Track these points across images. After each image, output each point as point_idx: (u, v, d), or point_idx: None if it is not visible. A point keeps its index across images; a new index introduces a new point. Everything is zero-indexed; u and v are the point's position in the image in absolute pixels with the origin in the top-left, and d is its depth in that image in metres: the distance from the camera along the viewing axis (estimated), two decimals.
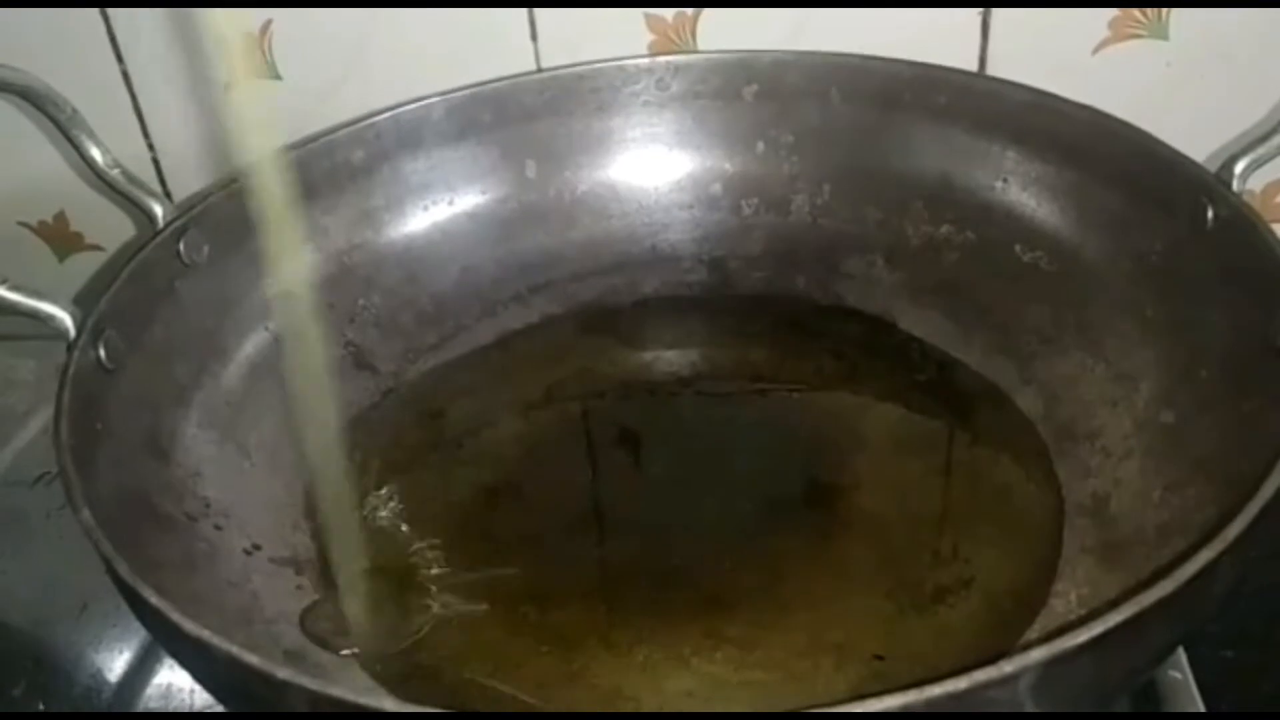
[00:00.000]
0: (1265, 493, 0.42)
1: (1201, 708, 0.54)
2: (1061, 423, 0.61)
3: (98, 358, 0.54)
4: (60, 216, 0.84)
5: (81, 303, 0.56)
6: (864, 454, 0.63)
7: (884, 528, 0.59)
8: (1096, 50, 0.71)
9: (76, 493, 0.46)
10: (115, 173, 0.61)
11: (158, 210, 0.62)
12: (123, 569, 0.43)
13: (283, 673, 0.39)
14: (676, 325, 0.73)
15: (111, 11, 0.74)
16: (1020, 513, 0.58)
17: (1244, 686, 0.56)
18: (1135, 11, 0.69)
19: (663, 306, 0.73)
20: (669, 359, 0.72)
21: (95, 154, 0.60)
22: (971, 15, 0.71)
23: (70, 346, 0.54)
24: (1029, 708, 0.38)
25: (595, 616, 0.56)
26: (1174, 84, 0.71)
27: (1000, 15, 0.70)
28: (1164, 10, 0.69)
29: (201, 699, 0.59)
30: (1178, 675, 0.55)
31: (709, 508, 0.60)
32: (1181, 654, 0.56)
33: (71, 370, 0.52)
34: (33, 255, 0.86)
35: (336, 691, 0.38)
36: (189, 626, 0.41)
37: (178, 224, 0.61)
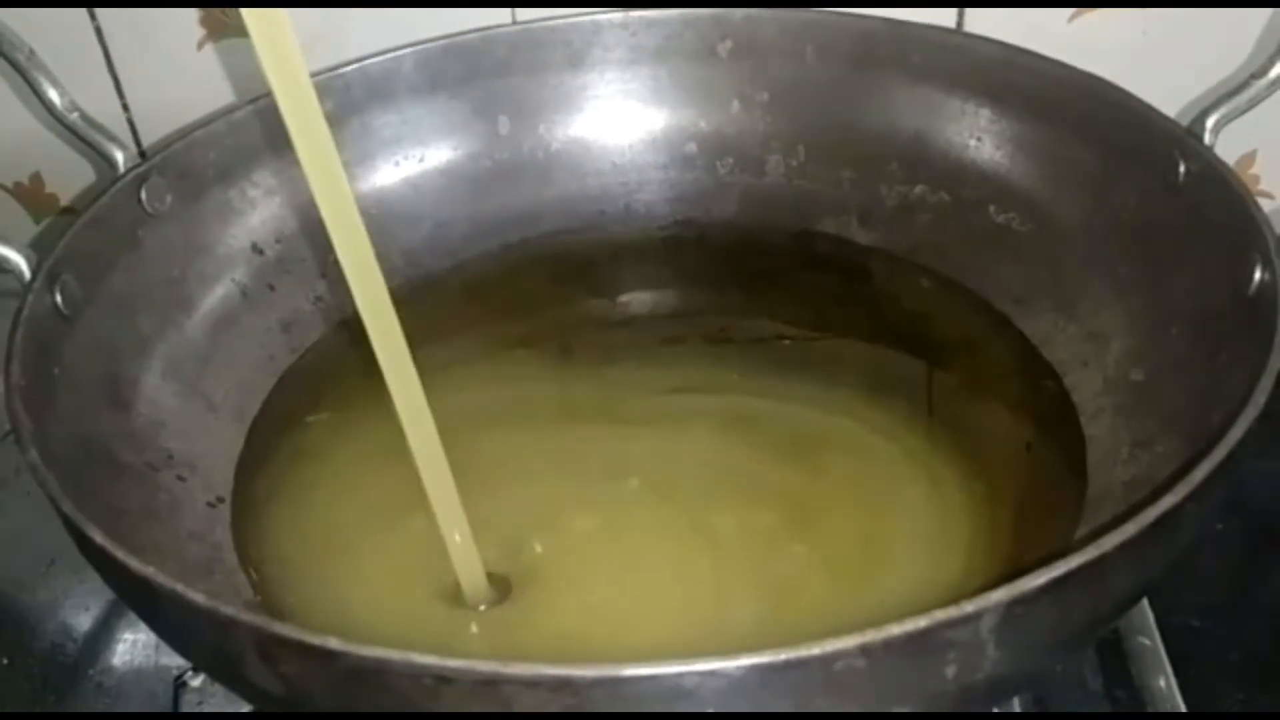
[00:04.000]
0: (1231, 438, 0.41)
1: (1170, 672, 0.54)
2: (1032, 381, 0.61)
3: (54, 303, 0.54)
4: (35, 178, 0.83)
5: (40, 249, 0.55)
6: (837, 400, 0.62)
7: (857, 473, 0.58)
8: (1073, 18, 0.70)
9: (25, 433, 0.46)
10: (74, 117, 0.60)
11: (119, 156, 0.61)
12: (68, 507, 0.42)
13: (228, 609, 0.38)
14: (650, 278, 0.73)
15: None
16: (990, 466, 0.58)
17: (1212, 655, 0.56)
18: None
19: (636, 261, 0.73)
20: (642, 309, 0.72)
21: (54, 96, 0.60)
22: None
23: (25, 289, 0.53)
24: (991, 651, 0.38)
25: (557, 556, 0.55)
26: (1150, 51, 0.71)
27: None
28: None
29: (167, 658, 0.59)
30: (1147, 642, 0.55)
31: (680, 452, 0.60)
32: (1151, 620, 0.56)
33: (25, 313, 0.51)
34: (7, 217, 0.85)
35: (283, 629, 0.37)
36: (135, 565, 0.40)
37: (139, 170, 0.60)
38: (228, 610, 0.38)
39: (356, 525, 0.58)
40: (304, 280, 0.67)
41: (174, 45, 0.76)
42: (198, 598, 0.38)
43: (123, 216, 0.60)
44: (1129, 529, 0.38)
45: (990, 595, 0.37)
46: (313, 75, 0.65)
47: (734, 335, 0.68)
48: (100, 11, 0.75)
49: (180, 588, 0.39)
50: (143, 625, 0.58)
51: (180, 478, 0.57)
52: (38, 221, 0.86)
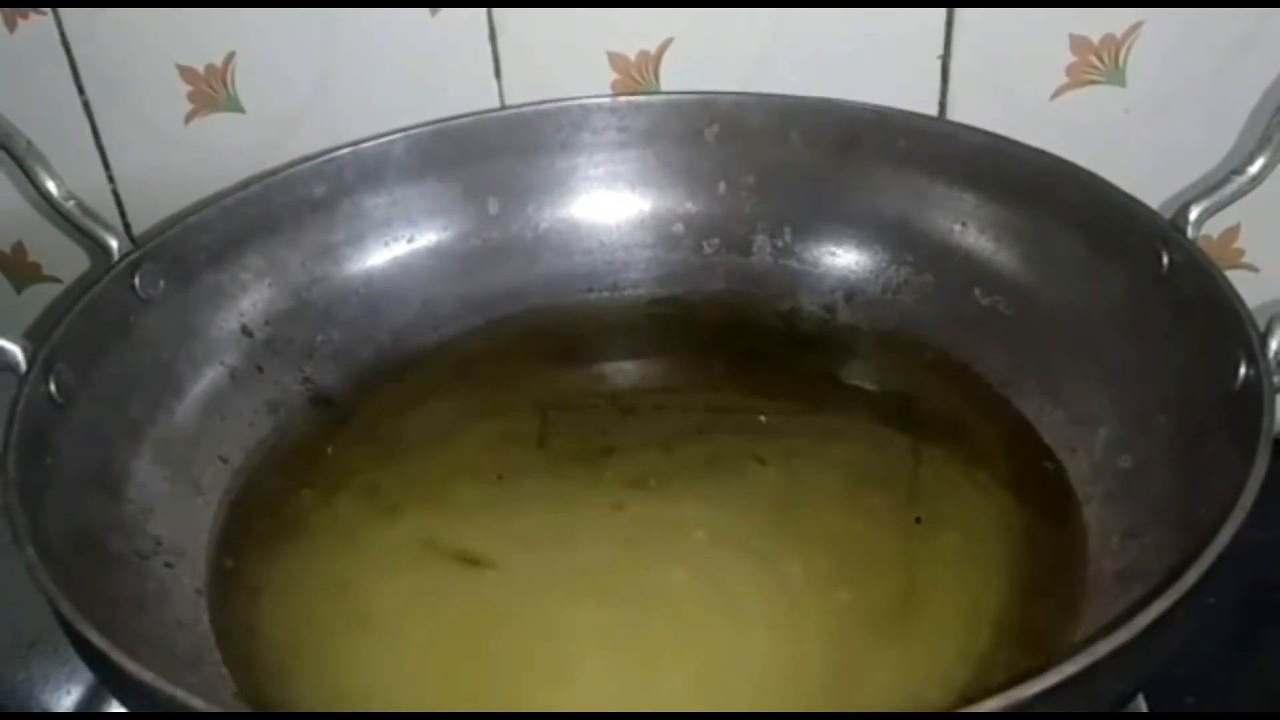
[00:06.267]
0: (1220, 541, 0.42)
1: None
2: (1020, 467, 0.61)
3: (48, 392, 0.54)
4: (18, 247, 0.83)
5: (34, 336, 0.55)
6: (824, 479, 0.63)
7: (843, 551, 0.58)
8: (1055, 96, 0.71)
9: (22, 529, 0.46)
10: (71, 205, 0.61)
11: (113, 244, 0.61)
12: (66, 608, 0.42)
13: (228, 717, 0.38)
14: (637, 356, 0.74)
15: (72, 40, 0.73)
16: (977, 552, 0.58)
17: None
18: (1093, 57, 0.69)
19: (623, 339, 0.73)
20: (628, 387, 0.72)
21: (51, 187, 0.60)
22: (931, 60, 0.71)
23: (21, 380, 0.53)
24: None
25: (541, 640, 0.55)
26: (1131, 130, 0.71)
27: (960, 60, 0.71)
28: (1121, 56, 0.69)
29: None
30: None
31: (663, 530, 0.60)
32: (1140, 700, 0.56)
33: (21, 405, 0.52)
34: None
35: None
36: (132, 668, 0.40)
37: (133, 258, 0.61)
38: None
39: (343, 613, 0.57)
40: (292, 361, 0.68)
41: (162, 119, 0.76)
42: (197, 703, 0.38)
43: (116, 303, 0.60)
44: (1121, 636, 0.39)
45: (984, 703, 0.37)
46: (306, 159, 0.67)
47: (719, 414, 0.68)
48: (89, 85, 0.75)
49: (180, 693, 0.39)
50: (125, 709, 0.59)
51: (168, 564, 0.57)
52: (19, 291, 0.85)
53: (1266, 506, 0.45)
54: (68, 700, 0.61)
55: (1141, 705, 0.54)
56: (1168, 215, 0.60)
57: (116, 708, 0.59)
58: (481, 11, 0.71)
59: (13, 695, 0.61)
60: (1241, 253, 0.75)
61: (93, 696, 0.61)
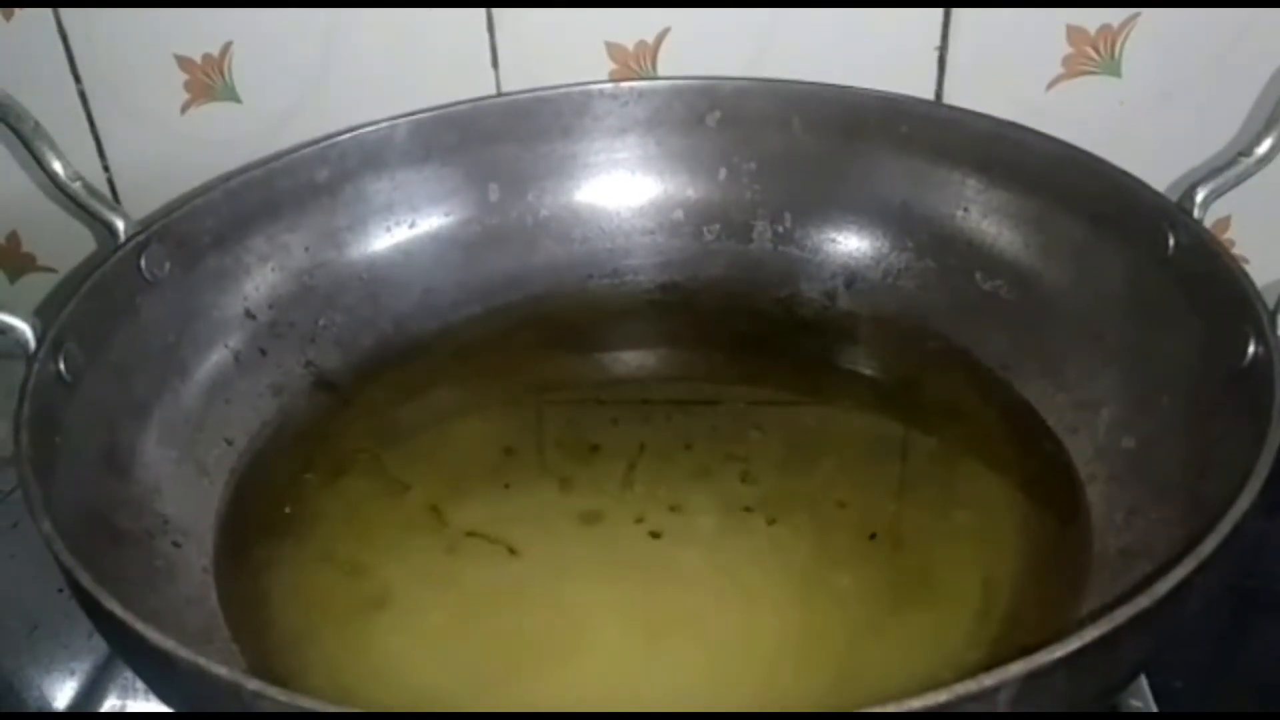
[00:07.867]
0: (1238, 509, 0.42)
1: None
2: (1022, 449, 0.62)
3: (57, 371, 0.54)
4: (13, 237, 0.83)
5: (41, 316, 0.55)
6: (826, 463, 0.63)
7: (847, 534, 0.59)
8: (1050, 86, 0.72)
9: (38, 504, 0.46)
10: (77, 186, 0.61)
11: (119, 225, 0.61)
12: (85, 579, 0.42)
13: (253, 684, 0.38)
14: (636, 342, 0.74)
15: (69, 29, 0.73)
16: (981, 533, 0.58)
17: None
18: (1089, 49, 0.70)
19: (623, 325, 0.73)
20: (628, 372, 0.72)
21: (57, 167, 0.60)
22: (928, 50, 0.71)
23: (30, 359, 0.53)
24: None
25: (552, 620, 0.55)
26: (1126, 121, 0.72)
27: (956, 51, 0.71)
28: (1117, 47, 0.70)
29: None
30: (1138, 704, 0.56)
31: (671, 512, 0.60)
32: (1145, 684, 0.56)
33: (32, 383, 0.52)
34: None
35: (308, 703, 0.38)
36: (154, 637, 0.40)
37: (139, 239, 0.61)
38: (252, 685, 0.38)
39: (348, 590, 0.57)
40: (294, 344, 0.68)
41: (158, 109, 0.76)
42: (220, 670, 0.38)
43: (122, 284, 0.60)
44: (1142, 601, 0.39)
45: (1008, 669, 0.37)
46: (309, 144, 0.67)
47: (720, 398, 0.69)
48: (84, 73, 0.75)
49: (203, 661, 0.39)
50: (128, 691, 0.59)
51: (175, 544, 0.57)
52: (14, 280, 0.85)
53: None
54: (70, 683, 0.60)
55: (1151, 705, 0.54)
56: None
57: (115, 699, 0.59)
58: None
59: (15, 679, 0.61)
60: (1232, 244, 0.75)
61: (94, 682, 0.60)
